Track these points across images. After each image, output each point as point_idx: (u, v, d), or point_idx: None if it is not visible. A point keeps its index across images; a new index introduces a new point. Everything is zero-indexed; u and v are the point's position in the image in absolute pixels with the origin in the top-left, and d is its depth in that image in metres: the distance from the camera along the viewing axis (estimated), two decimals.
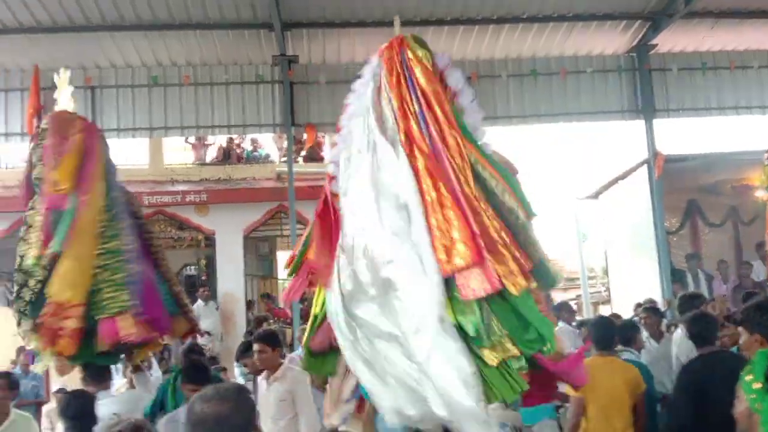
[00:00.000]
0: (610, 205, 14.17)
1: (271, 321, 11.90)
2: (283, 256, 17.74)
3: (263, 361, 5.49)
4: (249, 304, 13.79)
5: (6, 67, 10.55)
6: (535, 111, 11.22)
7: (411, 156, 3.23)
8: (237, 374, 7.05)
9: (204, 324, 12.20)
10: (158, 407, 5.59)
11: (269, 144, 15.97)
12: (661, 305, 9.74)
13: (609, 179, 13.87)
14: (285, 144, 12.25)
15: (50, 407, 6.25)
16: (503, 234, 3.13)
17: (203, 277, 14.38)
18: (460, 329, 2.98)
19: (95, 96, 10.56)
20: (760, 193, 10.16)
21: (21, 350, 8.78)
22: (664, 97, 11.42)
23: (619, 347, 6.05)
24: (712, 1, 10.42)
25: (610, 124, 12.64)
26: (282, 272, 17.65)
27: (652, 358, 6.57)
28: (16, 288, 4.77)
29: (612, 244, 14.47)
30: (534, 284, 3.16)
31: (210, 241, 13.68)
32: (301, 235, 3.81)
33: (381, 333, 3.04)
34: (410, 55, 3.47)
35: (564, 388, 3.86)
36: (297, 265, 3.70)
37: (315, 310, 3.59)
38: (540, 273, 3.25)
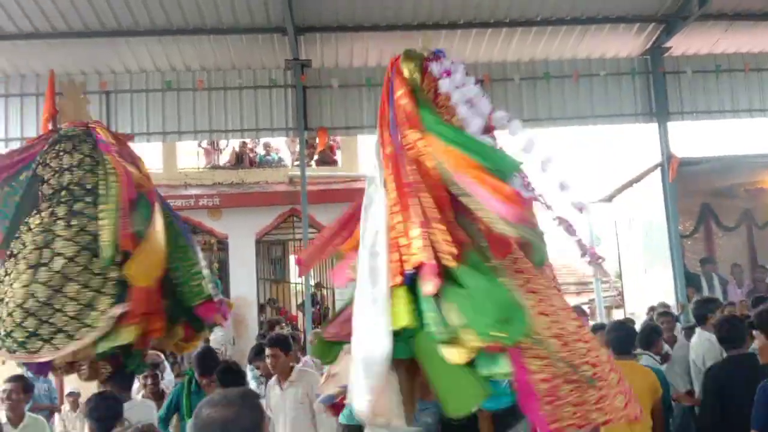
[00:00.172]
0: (624, 208, 14.12)
1: (284, 324, 11.92)
2: (295, 260, 17.78)
3: (276, 365, 5.51)
4: (261, 308, 13.83)
5: (22, 72, 10.65)
6: (548, 114, 11.21)
7: (385, 166, 3.23)
8: (249, 377, 7.05)
9: (216, 328, 12.27)
10: (172, 411, 5.64)
11: (283, 148, 16.03)
12: (675, 309, 9.70)
13: (623, 182, 13.83)
14: (298, 148, 12.29)
15: (64, 410, 6.32)
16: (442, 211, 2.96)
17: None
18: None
19: (110, 100, 10.65)
20: None
21: None
22: (678, 99, 11.36)
23: (639, 350, 6.05)
24: (727, 3, 10.37)
25: (624, 127, 12.58)
26: (294, 276, 17.70)
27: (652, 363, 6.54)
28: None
29: (626, 248, 14.41)
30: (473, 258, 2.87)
31: (223, 244, 13.73)
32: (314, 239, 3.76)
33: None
34: (398, 69, 3.47)
35: None
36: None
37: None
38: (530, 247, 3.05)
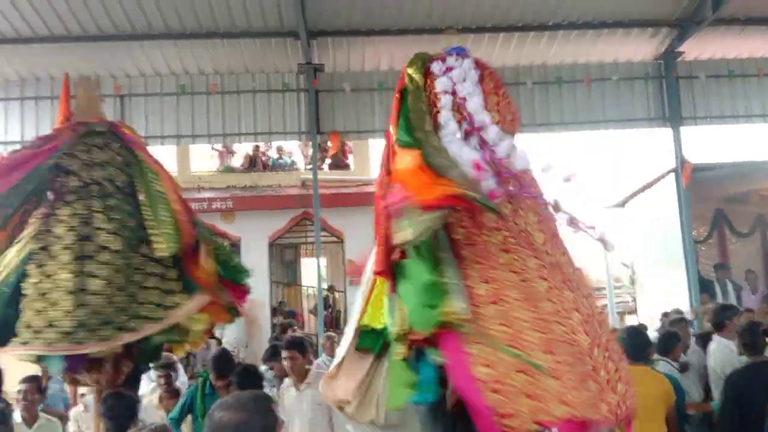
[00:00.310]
0: (637, 213, 14.06)
1: (296, 328, 11.94)
2: (307, 263, 17.83)
3: (293, 367, 5.54)
4: (274, 311, 13.87)
5: (37, 75, 10.75)
6: (560, 119, 11.19)
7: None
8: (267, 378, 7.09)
9: (229, 330, 12.31)
10: (186, 412, 5.67)
11: (296, 151, 16.09)
12: (689, 315, 9.64)
13: (636, 188, 13.76)
14: (310, 151, 12.33)
15: (78, 411, 6.35)
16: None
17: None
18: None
19: (125, 104, 10.73)
20: None
21: None
22: (692, 104, 11.31)
23: (656, 356, 6.03)
24: (740, 8, 10.32)
25: (637, 132, 12.54)
26: (306, 279, 17.74)
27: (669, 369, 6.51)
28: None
29: (639, 254, 14.34)
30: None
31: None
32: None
33: None
34: (403, 71, 3.54)
35: None
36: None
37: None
38: None
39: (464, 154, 3.09)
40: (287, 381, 5.71)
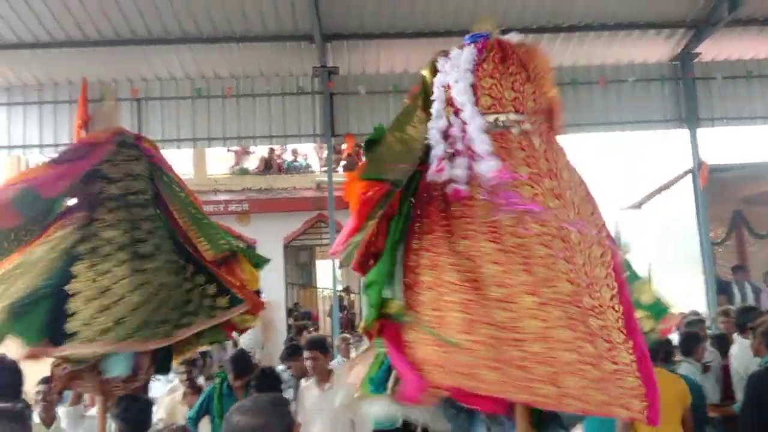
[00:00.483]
0: (654, 215, 13.98)
1: (311, 329, 11.99)
2: (322, 265, 17.88)
3: (315, 367, 5.56)
4: (289, 312, 13.92)
5: (55, 80, 10.87)
6: (575, 120, 11.11)
7: None
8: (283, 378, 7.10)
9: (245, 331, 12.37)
10: (203, 412, 5.71)
11: (311, 154, 16.14)
12: (707, 317, 9.58)
13: (652, 189, 13.69)
14: (325, 154, 12.37)
15: (93, 411, 6.39)
16: None
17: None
18: None
19: (141, 108, 10.82)
20: None
21: None
22: (709, 105, 11.24)
23: (679, 357, 6.00)
24: (758, 8, 10.25)
25: (654, 133, 12.48)
26: (321, 281, 17.79)
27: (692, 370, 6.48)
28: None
29: (655, 255, 14.25)
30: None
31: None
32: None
33: None
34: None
35: None
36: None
37: None
38: None
39: (437, 149, 3.17)
40: (309, 381, 5.72)
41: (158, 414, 6.20)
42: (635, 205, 14.64)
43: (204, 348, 10.44)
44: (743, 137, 13.14)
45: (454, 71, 3.34)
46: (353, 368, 3.24)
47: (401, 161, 3.14)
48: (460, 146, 3.12)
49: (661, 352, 5.19)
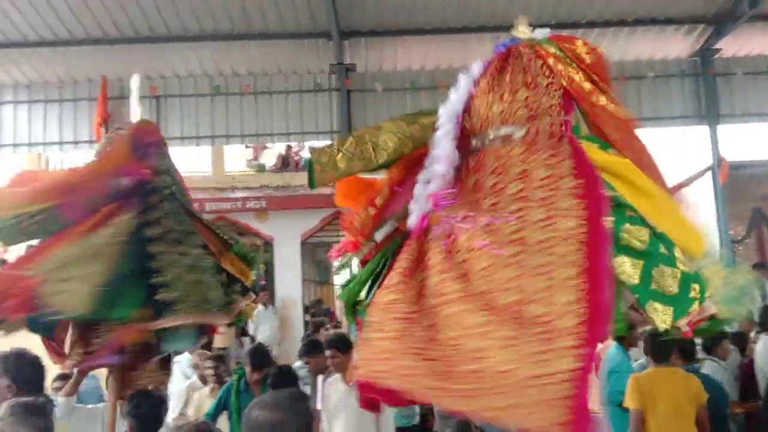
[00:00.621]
0: None
1: (328, 326, 12.01)
2: (338, 262, 17.91)
3: (337, 365, 5.57)
4: (306, 309, 13.95)
5: (75, 77, 10.97)
6: None
7: None
8: (300, 375, 7.11)
9: (263, 328, 12.44)
10: (221, 408, 5.75)
11: None
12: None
13: (671, 186, 13.56)
14: None
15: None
16: None
17: (262, 282, 14.62)
18: None
19: (160, 105, 10.89)
20: None
21: None
22: (729, 102, 11.14)
23: (702, 355, 5.97)
24: None
25: (673, 130, 12.37)
26: (338, 278, 17.84)
27: (715, 368, 6.44)
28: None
29: None
30: None
31: (269, 246, 13.90)
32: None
33: None
34: None
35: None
36: None
37: None
38: None
39: (418, 203, 3.23)
40: (335, 376, 5.73)
41: (188, 409, 6.28)
42: None
43: (221, 345, 10.58)
44: (763, 134, 12.98)
45: (454, 91, 3.34)
46: None
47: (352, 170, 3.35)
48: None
49: (684, 351, 5.17)
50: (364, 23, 10.26)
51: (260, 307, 11.99)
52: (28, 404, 3.30)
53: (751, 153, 13.28)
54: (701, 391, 4.91)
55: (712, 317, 2.75)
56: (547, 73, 3.25)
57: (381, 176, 3.53)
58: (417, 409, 6.27)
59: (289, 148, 15.39)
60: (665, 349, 5.05)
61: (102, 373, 4.88)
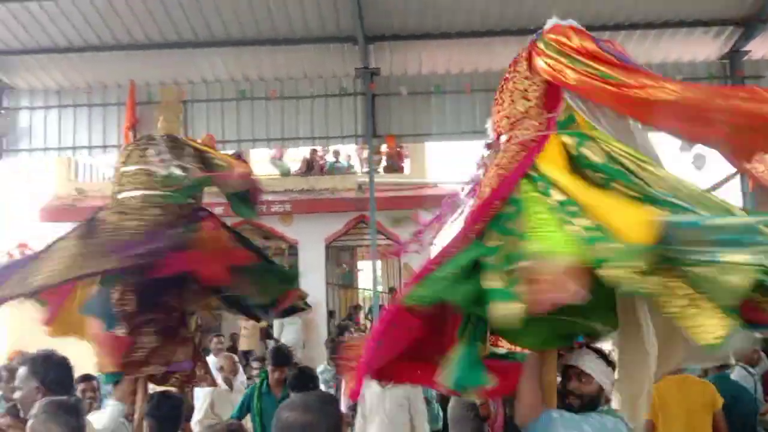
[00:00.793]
0: None
1: (353, 330, 12.04)
2: (363, 266, 17.95)
3: None
4: (330, 313, 13.99)
5: (104, 83, 11.12)
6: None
7: None
8: (326, 378, 7.10)
9: (286, 331, 12.50)
10: (244, 411, 5.79)
11: (353, 155, 16.20)
12: None
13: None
14: (366, 155, 12.41)
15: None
16: None
17: None
18: None
19: (187, 110, 10.97)
20: None
21: None
22: None
23: (732, 362, 5.90)
24: None
25: None
26: (362, 282, 17.85)
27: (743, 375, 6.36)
28: None
29: None
30: None
31: (293, 250, 13.97)
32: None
33: None
34: None
35: None
36: None
37: None
38: None
39: None
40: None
41: (215, 410, 6.33)
42: None
43: (246, 348, 10.65)
44: None
45: None
46: None
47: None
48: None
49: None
50: (388, 27, 10.27)
51: None
52: (61, 403, 3.34)
53: None
54: (716, 397, 4.85)
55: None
56: (527, 75, 3.41)
57: None
58: (440, 413, 6.28)
59: (313, 151, 15.46)
60: None
61: None
